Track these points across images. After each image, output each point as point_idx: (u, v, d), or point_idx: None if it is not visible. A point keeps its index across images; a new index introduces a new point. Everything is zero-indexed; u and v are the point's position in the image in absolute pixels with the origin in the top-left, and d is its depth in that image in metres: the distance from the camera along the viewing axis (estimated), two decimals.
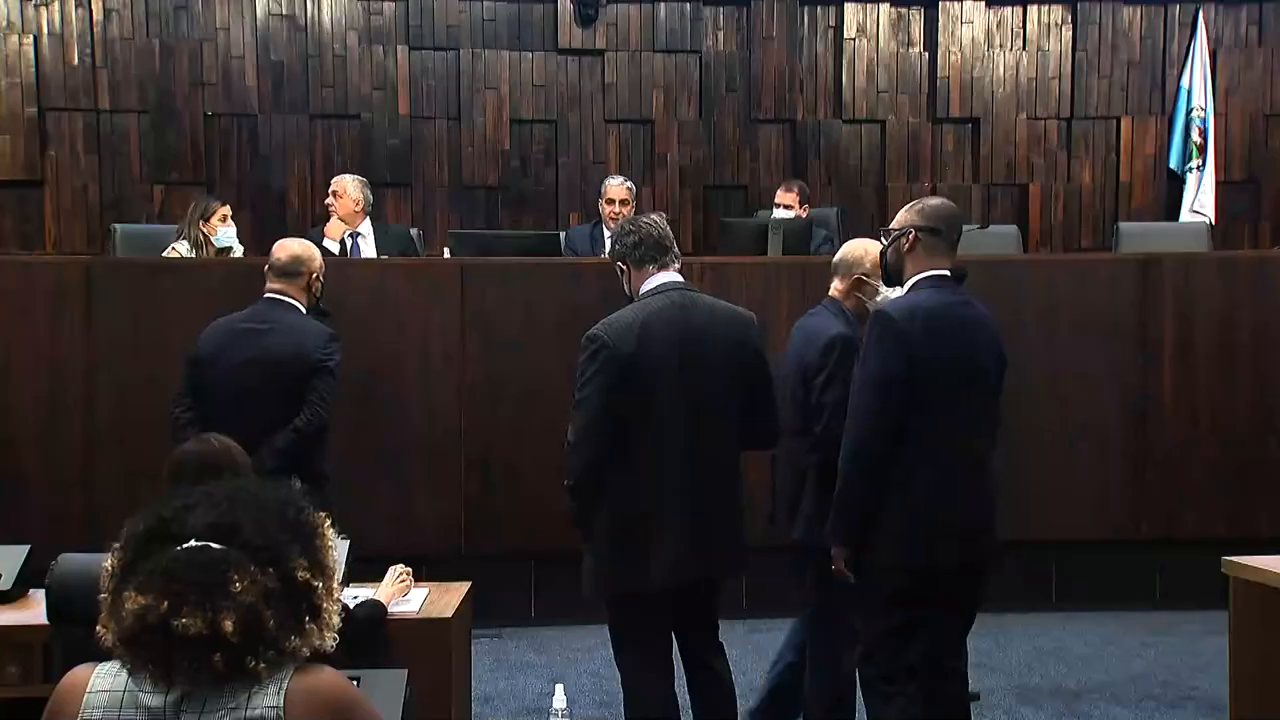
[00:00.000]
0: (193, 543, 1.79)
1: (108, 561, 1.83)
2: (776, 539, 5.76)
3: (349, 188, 6.61)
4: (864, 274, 4.01)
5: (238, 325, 4.48)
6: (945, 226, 3.49)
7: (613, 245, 3.82)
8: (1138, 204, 8.32)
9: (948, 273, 3.49)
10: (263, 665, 1.76)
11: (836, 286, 4.07)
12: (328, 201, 6.63)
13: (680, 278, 3.68)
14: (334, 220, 6.52)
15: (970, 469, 3.43)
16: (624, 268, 3.71)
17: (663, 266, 3.66)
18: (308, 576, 1.82)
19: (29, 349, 5.54)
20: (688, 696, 3.75)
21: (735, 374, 3.59)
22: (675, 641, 3.73)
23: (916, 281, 3.47)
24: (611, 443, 3.50)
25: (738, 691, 3.78)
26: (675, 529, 3.51)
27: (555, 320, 5.69)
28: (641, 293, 3.65)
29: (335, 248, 6.44)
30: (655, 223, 3.71)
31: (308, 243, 4.74)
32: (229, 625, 1.73)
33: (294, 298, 4.49)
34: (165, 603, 1.73)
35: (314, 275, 4.53)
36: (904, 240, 3.49)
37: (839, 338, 3.88)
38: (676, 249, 3.71)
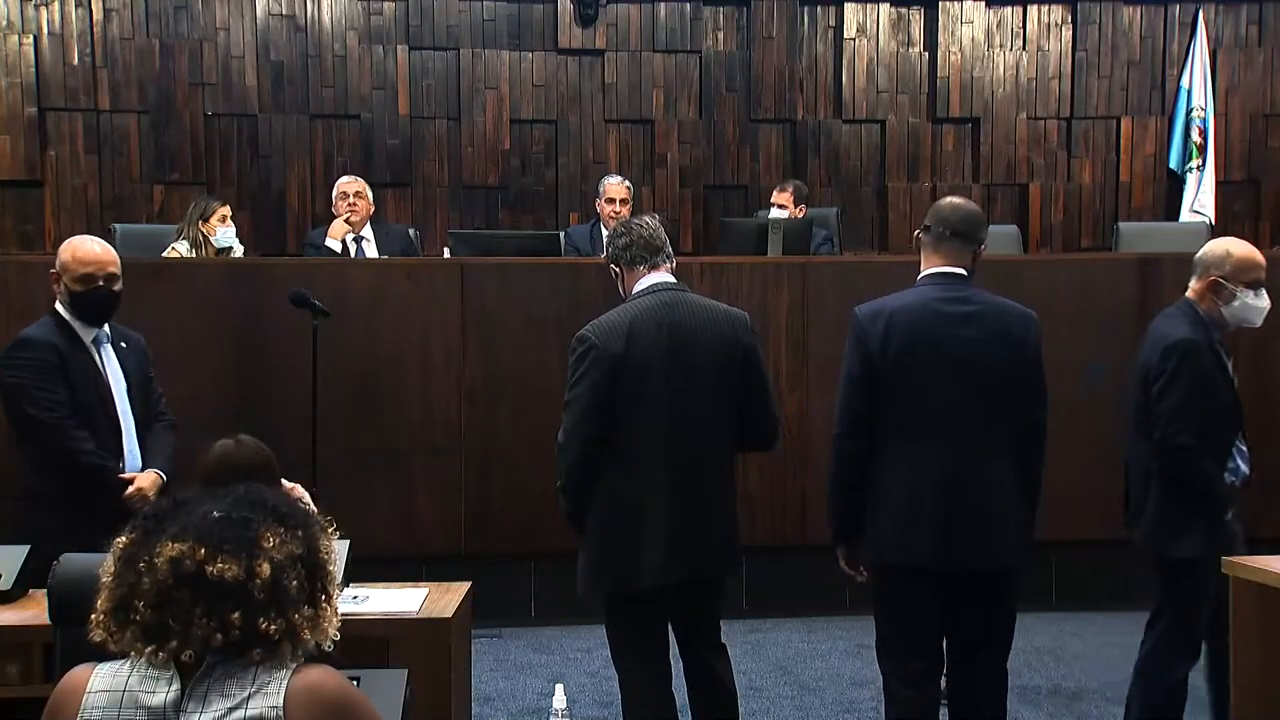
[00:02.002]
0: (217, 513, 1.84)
1: (115, 545, 1.85)
2: (776, 539, 5.79)
3: (366, 190, 6.64)
4: (1222, 276, 3.91)
5: None
6: (933, 221, 3.55)
7: (606, 247, 3.83)
8: (1138, 204, 8.33)
9: (949, 269, 3.51)
10: (273, 628, 1.77)
11: (1193, 286, 3.98)
12: (350, 203, 6.54)
13: (671, 278, 3.68)
14: (338, 222, 6.50)
15: (952, 465, 3.38)
16: (617, 270, 3.73)
17: (654, 267, 3.66)
18: (325, 557, 1.87)
19: None
20: (688, 697, 3.75)
21: (726, 373, 3.59)
22: (675, 641, 3.73)
23: (918, 279, 3.56)
24: (601, 443, 3.51)
25: (739, 692, 3.78)
26: (664, 529, 3.52)
27: (555, 320, 5.69)
28: (633, 293, 3.66)
29: (337, 247, 6.44)
30: (647, 224, 3.72)
31: (81, 240, 4.26)
32: (265, 570, 1.77)
33: (55, 299, 4.21)
34: (203, 550, 1.77)
35: (52, 272, 4.17)
36: (915, 242, 3.65)
37: (1180, 343, 3.83)
38: (669, 249, 3.72)
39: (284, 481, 3.38)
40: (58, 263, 4.16)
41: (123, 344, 4.29)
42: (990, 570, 3.48)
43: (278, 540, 1.81)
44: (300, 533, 1.84)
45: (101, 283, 4.14)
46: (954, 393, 3.39)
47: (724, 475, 3.65)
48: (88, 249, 4.17)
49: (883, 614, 3.55)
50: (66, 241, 4.25)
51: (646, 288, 3.64)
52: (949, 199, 3.72)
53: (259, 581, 1.76)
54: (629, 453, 3.52)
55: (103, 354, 4.21)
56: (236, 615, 1.75)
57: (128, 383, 4.24)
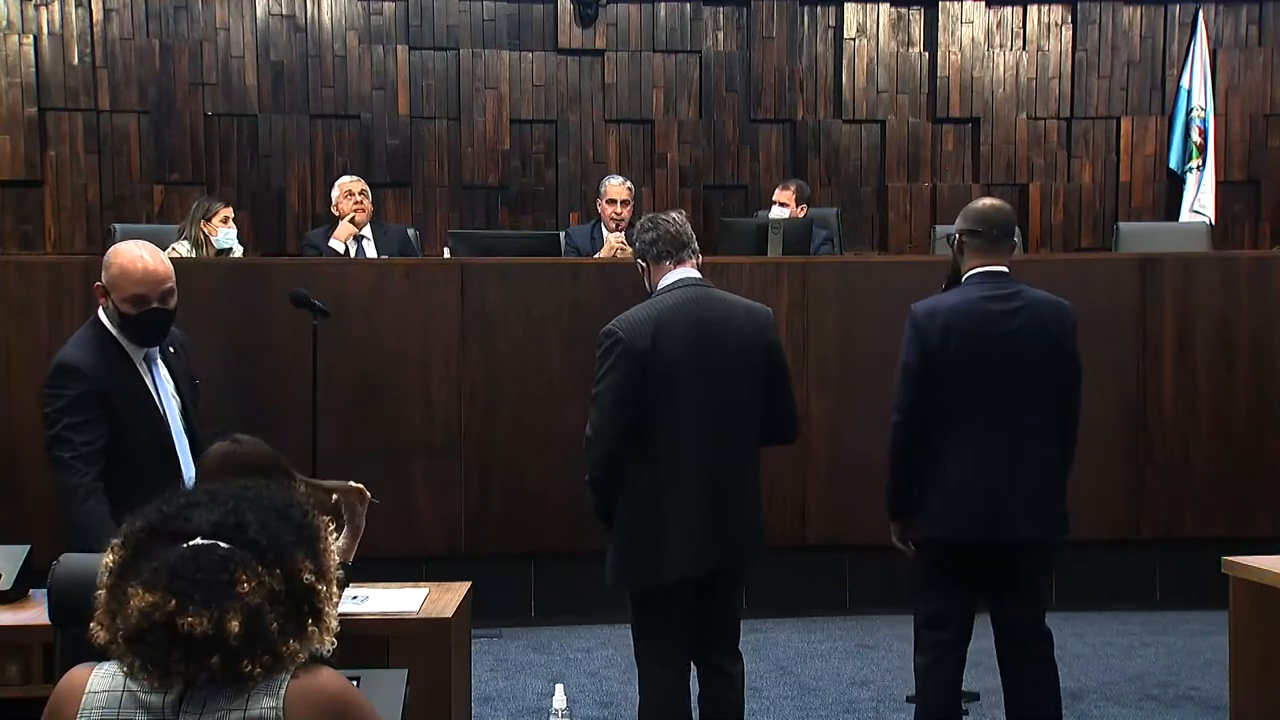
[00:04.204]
0: (198, 541, 1.78)
1: (106, 558, 1.83)
2: (776, 539, 5.77)
3: (368, 190, 6.63)
4: None
5: None
6: (983, 226, 3.79)
7: (633, 241, 3.88)
8: (1138, 204, 8.33)
9: (995, 268, 3.78)
10: (258, 670, 1.75)
11: None
12: (356, 200, 6.54)
13: (697, 273, 3.72)
14: (345, 224, 6.49)
15: (1000, 448, 3.68)
16: (643, 264, 3.76)
17: (680, 262, 3.69)
18: (312, 579, 1.82)
19: (29, 349, 5.53)
20: (696, 700, 3.77)
21: (751, 367, 3.63)
22: (692, 643, 3.74)
23: (966, 279, 3.81)
24: (629, 437, 3.54)
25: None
26: (693, 523, 3.55)
27: (555, 320, 5.69)
28: (658, 288, 3.69)
29: (341, 248, 6.44)
30: (673, 219, 3.75)
31: (130, 253, 3.63)
32: (234, 626, 1.73)
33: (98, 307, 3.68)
34: (172, 601, 1.73)
35: (98, 285, 3.65)
36: (956, 243, 3.86)
37: None
38: (695, 245, 3.76)
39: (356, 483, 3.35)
40: (105, 277, 3.58)
41: (170, 349, 3.74)
42: (1035, 540, 3.76)
43: (254, 583, 1.75)
44: (279, 569, 1.78)
45: (156, 303, 3.57)
46: (1001, 381, 3.69)
47: (749, 469, 3.69)
48: (139, 266, 3.55)
49: (925, 588, 3.83)
50: (113, 251, 3.63)
51: (672, 283, 3.67)
52: (987, 202, 3.95)
53: (231, 632, 1.72)
54: (656, 447, 3.55)
55: (155, 374, 3.67)
56: (215, 659, 1.73)
57: (181, 401, 3.72)
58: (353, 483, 3.35)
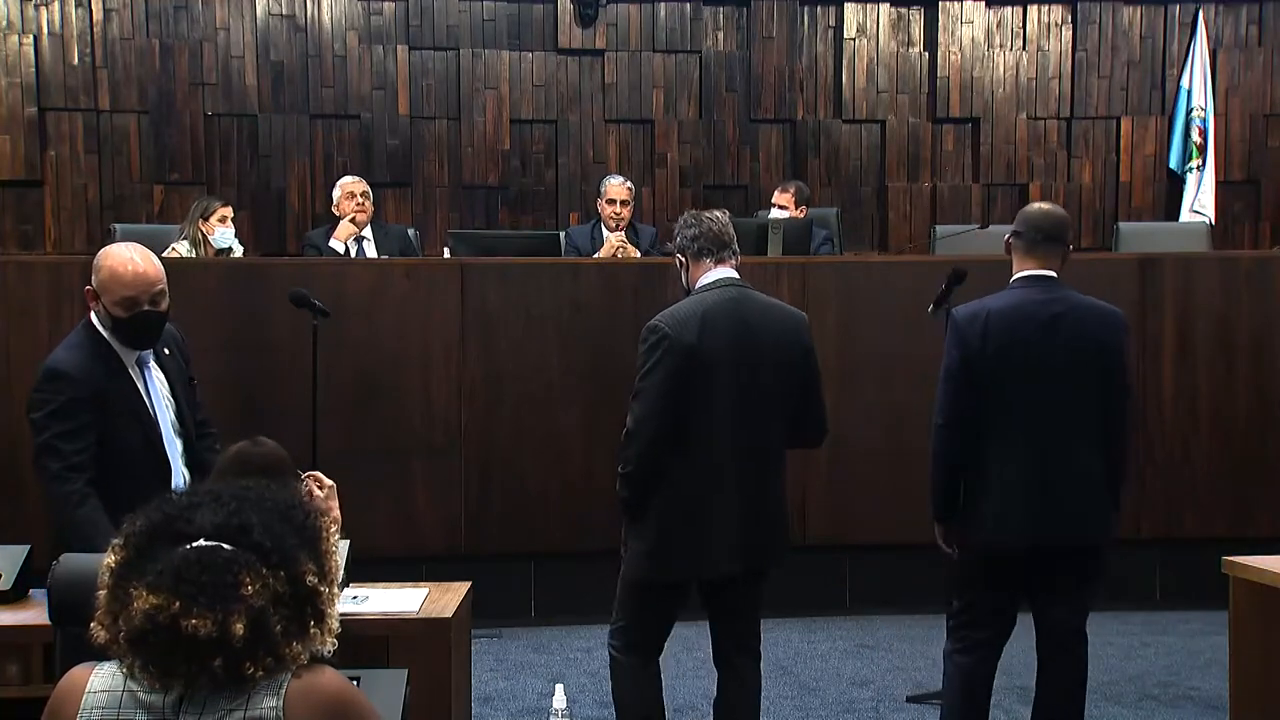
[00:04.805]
0: (203, 542, 1.78)
1: (106, 559, 1.83)
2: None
3: (369, 191, 6.63)
4: None
5: None
6: (1024, 228, 3.77)
7: (673, 237, 3.86)
8: (1138, 204, 8.33)
9: (1040, 272, 3.74)
10: (260, 672, 1.75)
11: None
12: (358, 202, 6.55)
13: (736, 274, 3.72)
14: (345, 224, 6.49)
15: (1041, 452, 3.65)
16: (683, 260, 3.75)
17: (720, 261, 3.70)
18: (315, 582, 1.82)
19: (29, 349, 5.53)
20: (714, 705, 3.83)
21: (786, 370, 3.65)
22: (710, 635, 3.78)
23: (1011, 282, 3.79)
24: (670, 433, 3.54)
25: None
26: (726, 521, 3.57)
27: (555, 320, 5.69)
28: (698, 286, 3.69)
29: (342, 249, 6.44)
30: (717, 218, 3.75)
31: (120, 255, 3.59)
32: (239, 628, 1.72)
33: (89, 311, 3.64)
34: (177, 603, 1.72)
35: (88, 289, 3.61)
36: (1005, 245, 3.86)
37: None
38: (736, 246, 3.76)
39: (317, 475, 3.36)
40: (94, 280, 3.55)
41: (165, 350, 3.71)
42: (1076, 546, 3.72)
43: (259, 585, 1.75)
44: (283, 572, 1.78)
45: (147, 306, 3.53)
46: (1044, 388, 3.65)
47: (779, 470, 3.71)
48: (129, 269, 3.52)
49: (966, 588, 3.80)
50: (103, 254, 3.59)
51: (712, 282, 3.67)
52: (1037, 205, 3.95)
53: (235, 634, 1.73)
54: (693, 444, 3.55)
55: (148, 377, 3.64)
56: (218, 661, 1.73)
57: (175, 404, 3.69)
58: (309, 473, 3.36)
